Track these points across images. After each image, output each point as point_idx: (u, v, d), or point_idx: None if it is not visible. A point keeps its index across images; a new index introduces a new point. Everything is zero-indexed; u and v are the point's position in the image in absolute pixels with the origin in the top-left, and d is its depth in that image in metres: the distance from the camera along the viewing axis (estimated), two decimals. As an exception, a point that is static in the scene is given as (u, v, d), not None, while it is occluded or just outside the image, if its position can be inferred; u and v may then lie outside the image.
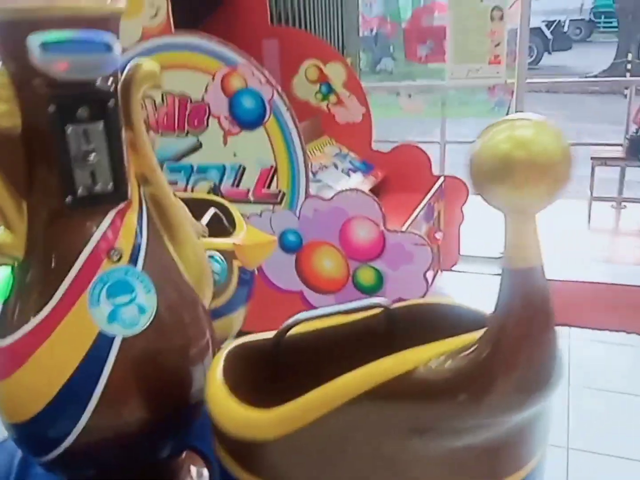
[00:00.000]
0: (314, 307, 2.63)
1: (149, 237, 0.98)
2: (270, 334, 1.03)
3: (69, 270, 0.86)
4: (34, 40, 0.76)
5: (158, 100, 2.52)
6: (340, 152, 3.20)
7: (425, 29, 3.66)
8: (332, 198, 2.44)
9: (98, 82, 0.86)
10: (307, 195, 2.46)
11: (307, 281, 2.57)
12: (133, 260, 0.90)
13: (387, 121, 4.37)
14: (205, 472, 1.47)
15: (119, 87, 0.99)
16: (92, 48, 0.80)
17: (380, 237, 2.42)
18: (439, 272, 3.21)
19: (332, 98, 3.19)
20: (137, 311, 0.88)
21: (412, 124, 4.67)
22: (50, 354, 0.86)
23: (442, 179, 3.17)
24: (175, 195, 1.10)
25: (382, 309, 1.02)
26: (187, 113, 2.50)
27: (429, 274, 2.45)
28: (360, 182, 2.97)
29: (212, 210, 1.64)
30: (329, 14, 3.34)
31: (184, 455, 1.46)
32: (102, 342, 0.86)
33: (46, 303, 0.87)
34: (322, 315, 0.98)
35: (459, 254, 3.32)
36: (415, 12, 3.85)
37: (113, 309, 0.86)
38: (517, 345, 0.70)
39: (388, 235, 2.42)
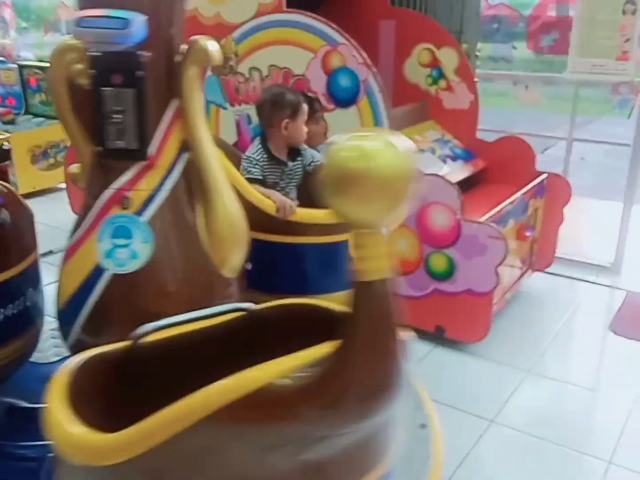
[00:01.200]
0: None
1: (169, 198, 1.15)
2: (123, 344, 1.01)
3: (92, 208, 1.06)
4: (73, 17, 0.94)
5: (265, 72, 2.70)
6: (442, 137, 3.19)
7: (550, 19, 3.47)
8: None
9: (134, 54, 1.02)
10: (391, 176, 2.51)
11: (382, 260, 2.64)
12: (140, 211, 1.08)
13: (501, 111, 4.23)
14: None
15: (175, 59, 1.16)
16: (111, 24, 0.96)
17: (456, 225, 2.43)
18: (529, 271, 3.12)
19: (442, 83, 3.18)
20: (129, 255, 1.07)
21: (528, 116, 4.46)
22: (75, 264, 1.08)
23: (544, 175, 3.05)
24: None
25: (244, 312, 1.05)
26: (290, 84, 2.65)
27: (501, 269, 2.42)
28: (455, 169, 2.96)
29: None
30: (450, -3, 3.30)
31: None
32: (97, 272, 1.06)
33: (79, 227, 1.09)
34: (173, 323, 0.96)
35: (554, 255, 3.20)
36: (542, 1, 3.66)
37: (111, 247, 1.06)
38: (362, 357, 0.72)
39: (464, 224, 2.42)
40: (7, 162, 2.67)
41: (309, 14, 2.54)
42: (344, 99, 2.52)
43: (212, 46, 1.17)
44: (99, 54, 0.99)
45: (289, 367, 0.77)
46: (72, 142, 1.20)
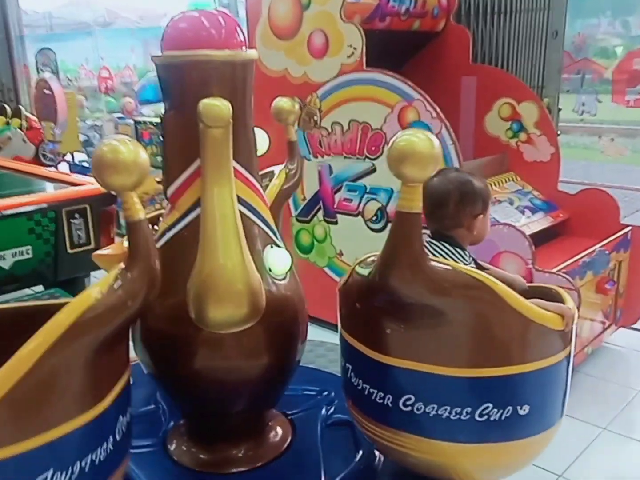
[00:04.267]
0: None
1: (176, 238, 1.45)
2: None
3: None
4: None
5: (345, 126, 2.89)
6: (522, 189, 3.21)
7: (636, 73, 3.42)
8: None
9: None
10: (463, 225, 2.58)
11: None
12: (157, 240, 1.45)
13: (587, 164, 4.15)
14: (288, 426, 1.74)
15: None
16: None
17: (527, 274, 2.44)
18: (613, 326, 3.01)
19: (522, 136, 3.23)
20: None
21: (612, 170, 4.33)
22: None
23: (628, 228, 2.98)
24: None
25: None
26: (367, 140, 2.82)
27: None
28: (533, 220, 2.97)
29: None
30: (532, 53, 3.37)
31: (272, 414, 1.75)
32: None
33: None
34: None
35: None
36: (628, 54, 3.61)
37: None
38: (395, 253, 1.35)
39: (535, 273, 2.42)
40: (113, 206, 3.00)
41: (387, 72, 2.72)
42: (419, 151, 2.64)
43: (203, 106, 1.27)
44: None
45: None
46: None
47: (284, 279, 1.53)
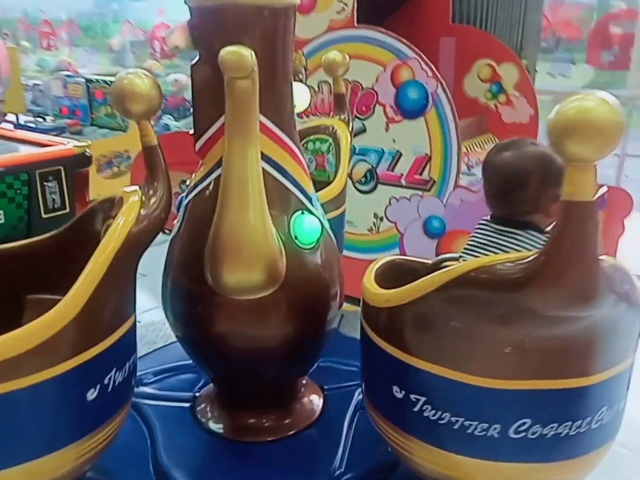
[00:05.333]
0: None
1: (201, 193, 1.46)
2: (425, 260, 1.54)
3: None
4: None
5: (334, 85, 2.81)
6: (502, 151, 3.25)
7: (612, 36, 3.50)
8: (480, 190, 2.54)
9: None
10: (457, 185, 2.59)
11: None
12: (186, 195, 1.54)
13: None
14: (320, 400, 1.71)
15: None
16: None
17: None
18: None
19: (502, 98, 3.25)
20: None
21: None
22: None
23: (604, 188, 3.07)
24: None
25: None
26: (357, 99, 2.76)
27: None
28: (516, 181, 3.01)
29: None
30: (511, 15, 3.37)
31: (304, 381, 1.72)
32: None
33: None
34: None
35: (613, 268, 3.20)
36: (603, 18, 3.69)
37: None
38: (567, 257, 0.96)
39: (530, 233, 2.46)
40: (87, 168, 2.82)
41: (380, 29, 2.65)
42: (412, 111, 2.62)
43: (224, 54, 1.17)
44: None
45: (501, 259, 1.06)
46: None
47: (312, 248, 1.44)
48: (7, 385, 1.00)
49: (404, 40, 2.58)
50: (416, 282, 1.16)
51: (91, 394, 1.14)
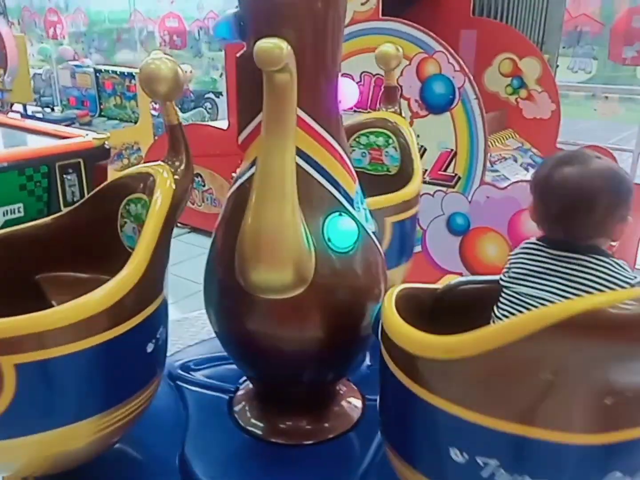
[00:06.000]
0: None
1: (240, 188, 1.41)
2: (434, 286, 1.30)
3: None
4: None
5: (357, 78, 2.77)
6: (522, 146, 3.22)
7: (635, 30, 3.47)
8: (506, 187, 2.51)
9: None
10: (482, 182, 2.56)
11: (468, 264, 2.68)
12: (229, 189, 1.47)
13: (579, 123, 4.22)
14: (359, 402, 1.67)
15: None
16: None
17: (549, 231, 2.45)
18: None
19: (523, 92, 3.21)
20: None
21: (607, 128, 4.43)
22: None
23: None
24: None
25: None
26: (380, 93, 2.72)
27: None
28: (538, 178, 2.98)
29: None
30: (533, 8, 3.34)
31: (344, 386, 1.68)
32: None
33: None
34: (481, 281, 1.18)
35: (634, 266, 3.18)
36: (626, 11, 3.66)
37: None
38: None
39: (558, 231, 2.43)
40: (107, 161, 2.78)
41: (406, 21, 2.61)
42: (438, 106, 2.58)
43: (256, 47, 1.10)
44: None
45: (622, 297, 0.89)
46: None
47: (348, 252, 1.37)
48: (83, 343, 1.10)
49: (431, 33, 2.54)
50: (492, 327, 1.00)
51: (149, 347, 1.26)
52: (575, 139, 3.61)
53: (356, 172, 1.46)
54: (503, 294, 1.21)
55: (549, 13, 3.30)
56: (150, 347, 1.25)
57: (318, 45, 1.32)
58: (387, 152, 1.85)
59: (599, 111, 3.37)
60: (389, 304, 1.19)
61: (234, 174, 1.43)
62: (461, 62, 2.48)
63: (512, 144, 3.19)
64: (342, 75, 1.41)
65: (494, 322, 1.21)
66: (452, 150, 2.58)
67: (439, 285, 1.36)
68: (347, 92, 1.43)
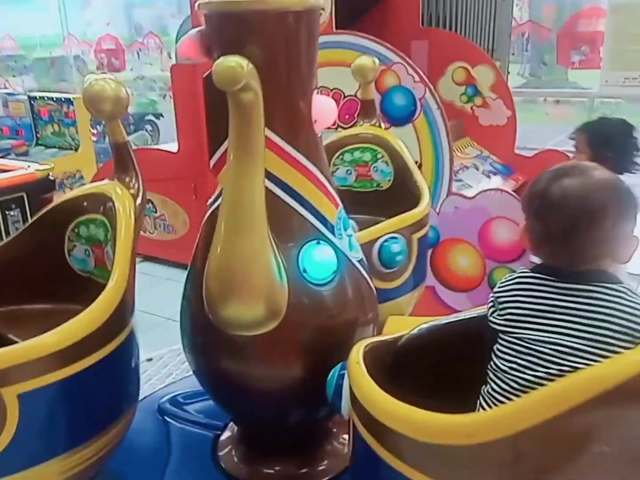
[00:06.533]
0: (445, 304, 2.67)
1: (212, 214, 1.36)
2: (396, 335, 1.18)
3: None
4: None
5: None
6: (481, 154, 3.20)
7: (580, 35, 3.55)
8: (475, 197, 2.47)
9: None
10: (449, 192, 2.51)
11: (440, 277, 2.62)
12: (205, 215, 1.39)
13: (530, 127, 4.28)
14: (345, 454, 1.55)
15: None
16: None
17: (521, 239, 2.41)
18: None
19: (478, 100, 3.20)
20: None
21: (558, 132, 4.52)
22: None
23: None
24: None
25: None
26: (339, 108, 2.64)
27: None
28: (500, 184, 2.96)
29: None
30: (481, 17, 3.35)
31: (336, 422, 1.56)
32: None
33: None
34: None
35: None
36: (571, 17, 3.75)
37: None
38: None
39: (529, 238, 2.40)
40: (52, 193, 2.59)
41: (361, 34, 2.55)
42: (400, 118, 2.52)
43: (215, 66, 1.02)
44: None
45: None
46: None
47: (326, 283, 1.25)
48: (75, 367, 1.08)
49: (387, 45, 2.48)
50: (521, 401, 0.83)
51: (133, 363, 1.26)
52: (530, 144, 3.63)
53: (342, 191, 1.36)
54: (502, 341, 1.05)
55: (497, 20, 3.32)
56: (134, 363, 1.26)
57: (288, 63, 1.21)
58: (375, 167, 1.76)
59: (550, 115, 3.40)
60: (357, 369, 1.02)
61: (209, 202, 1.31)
62: (420, 72, 2.44)
63: (471, 152, 3.17)
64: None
65: (495, 375, 1.05)
66: (416, 162, 2.52)
67: (401, 333, 1.19)
68: (324, 111, 1.31)
